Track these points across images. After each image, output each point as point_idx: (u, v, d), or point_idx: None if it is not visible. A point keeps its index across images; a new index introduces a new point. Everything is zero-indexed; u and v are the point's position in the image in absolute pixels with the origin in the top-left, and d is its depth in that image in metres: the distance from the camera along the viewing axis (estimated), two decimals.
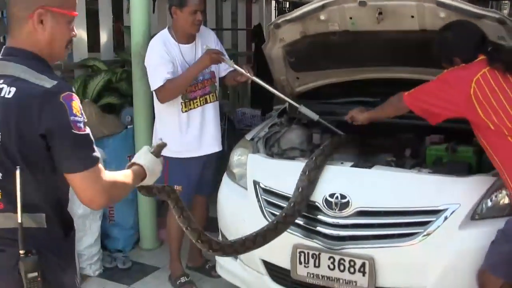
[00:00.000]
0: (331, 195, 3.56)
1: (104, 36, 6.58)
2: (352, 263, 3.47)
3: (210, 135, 4.66)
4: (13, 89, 2.19)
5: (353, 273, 3.48)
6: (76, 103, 2.22)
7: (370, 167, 3.73)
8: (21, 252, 2.20)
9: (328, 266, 3.54)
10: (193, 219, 3.08)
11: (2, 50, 2.33)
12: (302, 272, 3.63)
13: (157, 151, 2.63)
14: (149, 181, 2.59)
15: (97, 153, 2.32)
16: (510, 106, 3.19)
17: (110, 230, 5.40)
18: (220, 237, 4.32)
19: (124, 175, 2.47)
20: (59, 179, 2.31)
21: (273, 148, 4.43)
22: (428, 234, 3.38)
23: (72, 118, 2.18)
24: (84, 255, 4.93)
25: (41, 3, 2.28)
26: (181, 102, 4.52)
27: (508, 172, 3.22)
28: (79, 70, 6.18)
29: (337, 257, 3.51)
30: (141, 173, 2.55)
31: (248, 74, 4.45)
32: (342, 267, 3.50)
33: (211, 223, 5.00)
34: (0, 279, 2.29)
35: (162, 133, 4.58)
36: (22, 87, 2.19)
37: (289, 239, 3.65)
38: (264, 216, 3.79)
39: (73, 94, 2.23)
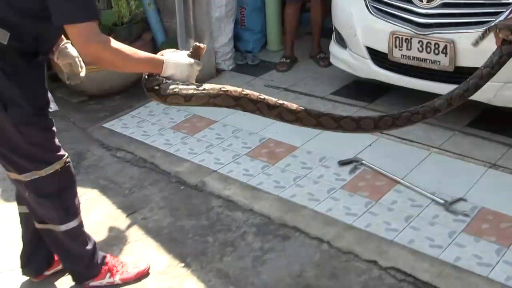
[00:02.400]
0: None
1: None
2: (436, 46, 4.18)
3: None
4: None
5: (437, 54, 4.20)
6: None
7: None
8: None
9: (418, 49, 4.27)
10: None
11: None
12: (397, 54, 4.40)
13: (193, 54, 2.50)
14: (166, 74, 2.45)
15: (96, 11, 2.42)
16: None
17: (242, 34, 6.29)
18: (333, 34, 5.14)
19: (133, 49, 2.46)
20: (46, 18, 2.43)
21: None
22: None
23: None
24: (219, 52, 5.87)
25: None
26: None
27: None
28: None
29: (424, 41, 4.22)
30: (158, 62, 2.45)
31: None
32: (428, 49, 4.22)
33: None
34: None
35: None
36: None
37: (387, 27, 4.39)
38: (368, 10, 4.53)
39: None
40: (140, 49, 2.51)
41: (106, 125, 4.96)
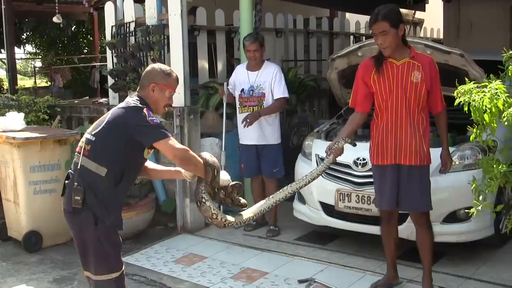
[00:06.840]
0: (357, 159, 5.95)
1: (220, 66, 9.20)
2: (368, 198, 5.81)
3: (249, 133, 6.90)
4: (124, 104, 3.83)
5: (369, 204, 5.82)
6: (152, 113, 3.72)
7: None
8: (75, 183, 3.73)
9: (355, 200, 5.91)
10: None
11: (137, 93, 3.93)
12: (341, 205, 6.03)
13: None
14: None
15: (168, 133, 3.66)
16: None
17: None
18: (296, 194, 6.74)
19: (197, 155, 3.77)
20: (127, 156, 3.73)
21: (332, 138, 6.81)
22: None
23: (149, 118, 3.66)
24: None
25: (154, 80, 3.89)
26: (239, 107, 7.02)
27: None
28: (202, 90, 8.78)
29: (360, 195, 5.88)
30: (202, 171, 3.75)
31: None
32: (363, 201, 5.84)
33: None
34: (67, 198, 3.80)
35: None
36: (127, 106, 3.79)
37: (334, 185, 6.04)
38: None
39: (151, 112, 3.73)
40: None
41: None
